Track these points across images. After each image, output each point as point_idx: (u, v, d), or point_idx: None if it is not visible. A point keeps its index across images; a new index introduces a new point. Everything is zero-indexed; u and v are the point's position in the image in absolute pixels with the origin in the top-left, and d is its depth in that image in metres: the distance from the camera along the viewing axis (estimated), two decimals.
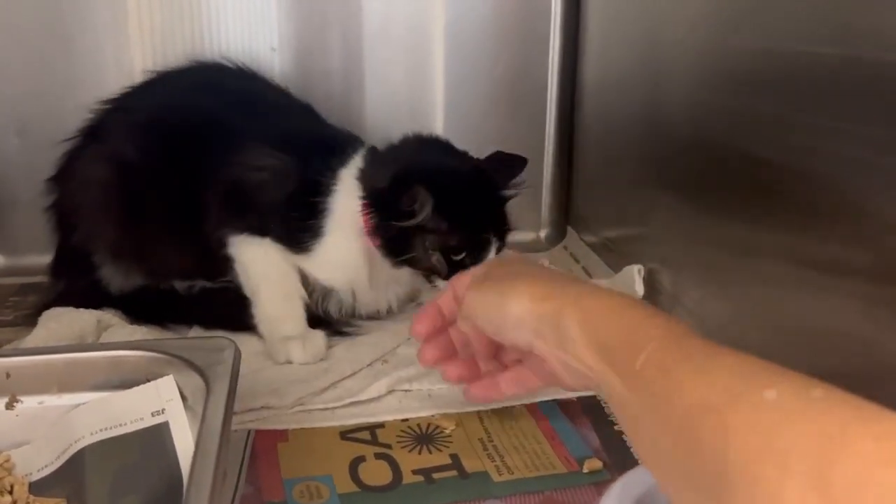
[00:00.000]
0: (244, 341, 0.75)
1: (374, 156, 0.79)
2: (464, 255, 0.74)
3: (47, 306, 0.80)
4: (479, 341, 0.59)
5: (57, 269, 0.88)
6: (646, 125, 0.90)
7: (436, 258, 0.74)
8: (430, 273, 0.76)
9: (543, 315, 0.50)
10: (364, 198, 0.76)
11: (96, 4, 0.95)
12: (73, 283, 0.86)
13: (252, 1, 0.98)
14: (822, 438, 0.31)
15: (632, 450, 0.63)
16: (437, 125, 1.07)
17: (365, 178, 0.77)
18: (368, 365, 0.75)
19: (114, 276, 0.85)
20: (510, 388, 0.61)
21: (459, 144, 0.80)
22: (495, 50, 1.06)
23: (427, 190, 0.71)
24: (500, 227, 0.76)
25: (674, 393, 0.39)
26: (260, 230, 0.78)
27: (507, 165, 0.78)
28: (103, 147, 0.84)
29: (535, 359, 0.54)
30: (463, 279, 0.60)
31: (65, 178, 0.86)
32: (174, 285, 0.86)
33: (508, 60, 1.07)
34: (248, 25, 0.99)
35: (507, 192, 0.78)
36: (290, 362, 0.75)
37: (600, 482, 0.58)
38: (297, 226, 0.77)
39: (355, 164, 0.78)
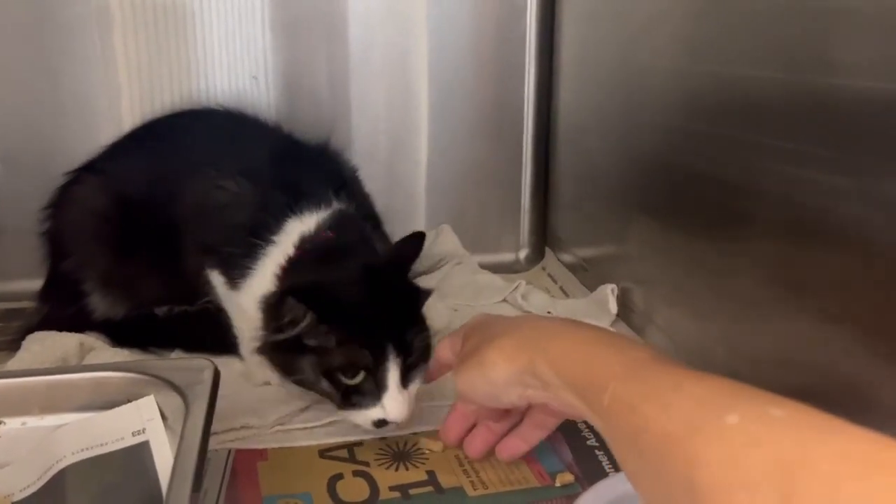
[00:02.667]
0: (225, 363, 0.76)
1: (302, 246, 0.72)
2: (358, 377, 0.64)
3: (31, 330, 0.81)
4: (486, 410, 0.62)
5: (45, 294, 0.90)
6: (619, 149, 0.92)
7: (325, 383, 0.65)
8: (328, 398, 0.67)
9: (522, 369, 0.52)
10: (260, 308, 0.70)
11: (82, 34, 0.97)
12: (58, 309, 0.87)
13: (239, 31, 1.00)
14: (785, 462, 0.32)
15: (603, 463, 0.64)
16: (421, 152, 1.09)
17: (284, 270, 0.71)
18: None
19: (100, 304, 0.87)
20: (533, 435, 0.63)
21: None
22: (475, 78, 1.09)
23: (304, 302, 0.63)
24: (402, 338, 0.64)
25: (641, 427, 0.40)
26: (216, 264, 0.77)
27: (408, 249, 0.70)
28: (103, 180, 0.87)
29: (539, 405, 0.57)
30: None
31: (63, 207, 0.88)
32: (154, 310, 0.88)
33: (487, 88, 1.10)
34: (234, 55, 1.00)
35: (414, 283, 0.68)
36: (268, 383, 0.76)
37: (572, 495, 0.60)
38: (234, 260, 0.74)
39: (307, 222, 0.74)
